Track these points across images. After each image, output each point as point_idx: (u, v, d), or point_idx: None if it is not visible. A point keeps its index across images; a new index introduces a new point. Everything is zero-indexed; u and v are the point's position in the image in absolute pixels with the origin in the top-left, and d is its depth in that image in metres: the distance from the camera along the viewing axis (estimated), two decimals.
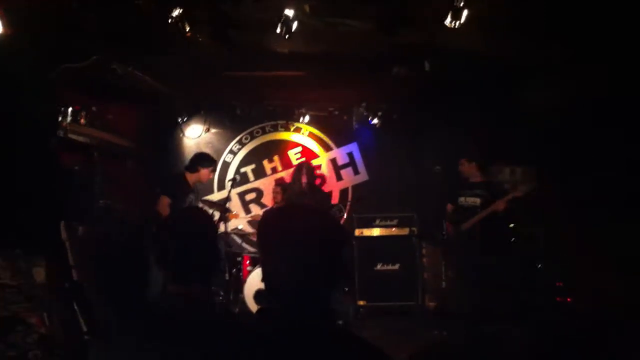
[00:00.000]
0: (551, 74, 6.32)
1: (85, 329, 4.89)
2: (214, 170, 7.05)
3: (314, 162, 8.90)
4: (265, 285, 1.64)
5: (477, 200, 6.44)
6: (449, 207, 6.82)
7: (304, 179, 6.52)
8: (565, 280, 6.48)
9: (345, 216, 6.25)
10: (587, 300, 6.16)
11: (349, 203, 8.70)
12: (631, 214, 5.53)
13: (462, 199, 6.60)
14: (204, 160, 6.69)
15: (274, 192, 7.78)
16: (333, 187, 9.00)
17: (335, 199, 8.86)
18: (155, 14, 4.67)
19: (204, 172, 6.60)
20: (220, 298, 7.21)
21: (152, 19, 4.80)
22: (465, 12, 4.56)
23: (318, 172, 6.66)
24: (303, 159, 8.80)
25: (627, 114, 5.65)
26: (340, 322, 5.99)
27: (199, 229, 2.20)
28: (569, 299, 6.38)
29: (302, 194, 6.34)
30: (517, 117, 7.16)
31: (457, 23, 4.62)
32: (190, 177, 6.54)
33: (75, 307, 4.95)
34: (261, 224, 1.75)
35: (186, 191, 6.48)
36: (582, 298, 6.29)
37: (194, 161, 6.64)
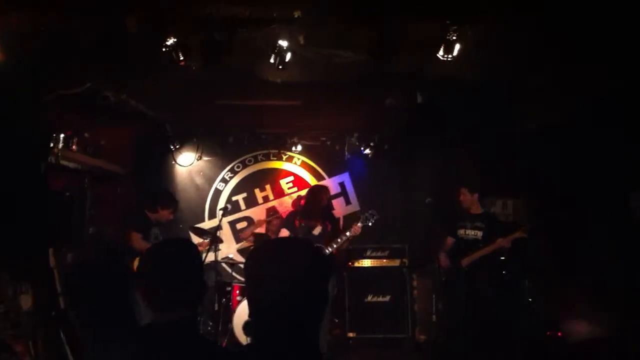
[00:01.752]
0: (541, 102, 6.35)
1: (71, 358, 4.82)
2: (174, 212, 6.90)
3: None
4: (251, 318, 1.63)
5: (479, 234, 6.37)
6: (449, 240, 6.71)
7: (324, 201, 6.46)
8: (554, 315, 6.44)
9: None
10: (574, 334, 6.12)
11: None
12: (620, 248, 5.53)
13: (462, 231, 6.51)
14: (164, 200, 6.68)
15: (268, 223, 7.77)
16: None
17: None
18: (149, 41, 4.68)
19: (163, 213, 6.61)
20: (209, 328, 7.13)
21: (146, 47, 4.81)
22: (457, 46, 4.60)
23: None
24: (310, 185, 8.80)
25: (618, 145, 5.69)
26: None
27: (182, 260, 2.19)
28: (559, 333, 6.34)
29: (318, 216, 6.29)
30: (509, 148, 7.19)
31: (450, 56, 4.66)
32: (151, 215, 6.54)
33: (62, 336, 4.88)
34: (251, 256, 1.75)
35: (149, 225, 6.50)
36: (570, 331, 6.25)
37: (154, 201, 6.63)
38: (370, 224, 6.15)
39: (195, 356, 1.95)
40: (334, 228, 6.36)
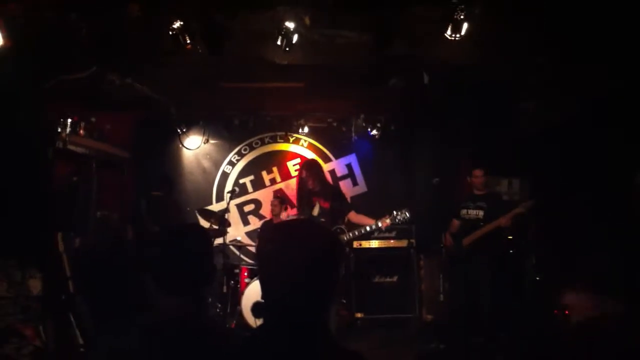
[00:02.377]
0: (547, 86, 6.32)
1: (81, 341, 4.87)
2: None
3: None
4: (264, 299, 1.64)
5: (480, 213, 6.43)
6: (455, 222, 6.75)
7: (313, 177, 6.15)
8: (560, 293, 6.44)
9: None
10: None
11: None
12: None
13: (464, 211, 6.57)
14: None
15: (272, 204, 7.76)
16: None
17: None
18: (154, 25, 4.67)
19: None
20: (218, 310, 7.18)
21: (151, 31, 4.80)
22: (465, 25, 4.57)
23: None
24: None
25: (625, 127, 5.66)
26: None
27: (192, 243, 2.20)
28: (567, 312, 6.34)
29: (313, 192, 6.01)
30: (515, 128, 7.16)
31: (457, 36, 4.62)
32: None
33: (72, 319, 4.93)
34: (260, 240, 1.75)
35: None
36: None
37: None
38: (398, 221, 5.89)
39: (204, 340, 1.96)
40: (338, 205, 6.03)
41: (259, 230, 8.25)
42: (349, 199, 8.87)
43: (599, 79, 5.62)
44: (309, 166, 6.18)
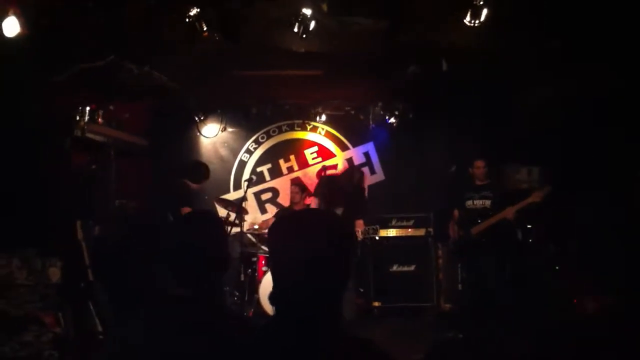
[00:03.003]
0: (563, 69, 6.24)
1: (100, 329, 4.91)
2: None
3: (331, 162, 8.89)
4: (274, 287, 1.63)
5: (487, 202, 6.41)
6: (455, 212, 6.76)
7: (354, 181, 6.43)
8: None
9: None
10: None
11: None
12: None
13: (469, 202, 6.53)
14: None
15: (292, 191, 7.73)
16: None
17: None
18: (170, 13, 4.66)
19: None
20: (235, 299, 7.20)
21: (166, 18, 4.79)
22: (484, 11, 4.51)
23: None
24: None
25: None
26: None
27: (207, 231, 2.19)
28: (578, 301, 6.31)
29: (347, 197, 6.31)
30: (532, 116, 7.08)
31: (477, 22, 4.57)
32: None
33: (91, 307, 4.97)
34: (271, 228, 1.74)
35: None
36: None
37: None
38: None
39: (218, 328, 1.95)
40: (360, 209, 6.39)
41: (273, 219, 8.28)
42: (366, 188, 8.90)
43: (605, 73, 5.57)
44: (358, 174, 6.88)
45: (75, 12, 4.45)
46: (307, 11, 4.71)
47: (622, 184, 5.87)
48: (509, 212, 6.11)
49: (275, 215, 8.31)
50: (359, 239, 6.18)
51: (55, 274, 4.78)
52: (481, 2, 4.46)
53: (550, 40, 5.47)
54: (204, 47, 5.33)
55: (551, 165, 7.28)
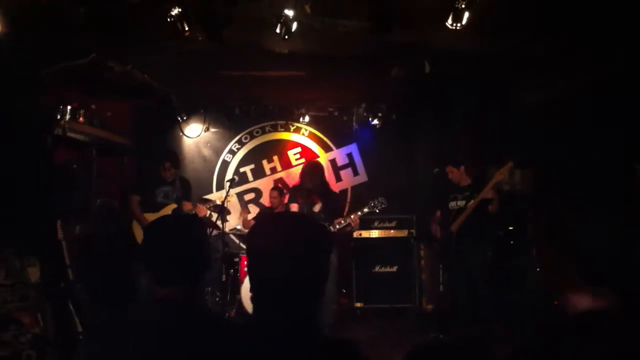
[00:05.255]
0: (548, 71, 6.29)
1: (80, 329, 4.87)
2: (173, 166, 7.07)
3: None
4: (252, 291, 1.64)
5: (464, 202, 6.38)
6: (438, 213, 6.76)
7: (317, 179, 6.39)
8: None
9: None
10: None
11: (348, 204, 8.67)
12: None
13: (453, 203, 6.51)
14: (164, 155, 7.09)
15: (271, 196, 7.73)
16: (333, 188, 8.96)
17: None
18: (153, 11, 4.64)
19: (166, 166, 6.96)
20: (217, 299, 7.19)
21: (149, 17, 4.77)
22: (466, 14, 4.54)
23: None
24: (309, 159, 8.74)
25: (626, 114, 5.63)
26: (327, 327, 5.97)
27: (185, 233, 2.19)
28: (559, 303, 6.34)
29: (312, 192, 6.26)
30: (515, 117, 7.14)
31: (459, 25, 4.60)
32: (163, 173, 6.97)
33: (71, 307, 4.93)
34: (251, 230, 1.75)
35: (157, 184, 6.91)
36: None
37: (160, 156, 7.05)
38: (377, 210, 6.24)
39: (198, 329, 1.95)
40: (331, 203, 6.34)
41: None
42: (349, 189, 8.93)
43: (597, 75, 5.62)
44: (311, 168, 6.52)
45: (59, 9, 4.42)
46: (290, 12, 4.71)
47: (607, 185, 5.92)
48: (487, 191, 6.05)
49: (256, 218, 8.32)
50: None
51: (34, 273, 4.74)
52: (463, 6, 4.49)
53: (535, 44, 5.52)
54: (187, 47, 5.32)
55: (535, 167, 7.34)
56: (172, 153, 7.21)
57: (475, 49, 5.62)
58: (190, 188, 7.32)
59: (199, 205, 7.06)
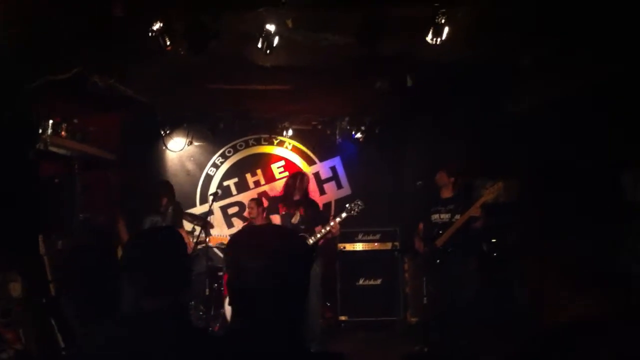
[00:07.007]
0: (533, 79, 6.35)
1: (62, 344, 4.83)
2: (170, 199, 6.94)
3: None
4: (231, 304, 1.64)
5: (456, 216, 6.25)
6: (420, 226, 6.69)
7: (301, 189, 6.43)
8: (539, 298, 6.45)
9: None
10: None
11: (331, 217, 8.67)
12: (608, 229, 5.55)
13: (436, 216, 6.42)
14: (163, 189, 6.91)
15: (249, 207, 7.70)
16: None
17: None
18: (135, 26, 4.64)
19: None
20: (201, 313, 7.15)
21: (132, 31, 4.77)
22: (446, 29, 4.59)
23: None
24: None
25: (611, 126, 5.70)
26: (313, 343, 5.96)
27: (166, 246, 2.21)
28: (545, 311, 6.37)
29: (297, 204, 6.30)
30: (500, 130, 7.19)
31: (439, 40, 4.64)
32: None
33: (53, 323, 4.88)
34: (230, 243, 1.76)
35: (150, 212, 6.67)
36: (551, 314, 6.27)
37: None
38: (354, 213, 6.24)
39: (180, 342, 1.96)
40: (312, 213, 6.39)
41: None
42: (333, 202, 8.94)
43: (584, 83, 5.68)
44: (297, 178, 6.56)
45: (44, 23, 4.41)
46: (271, 27, 4.73)
47: (592, 194, 5.95)
48: (474, 209, 6.02)
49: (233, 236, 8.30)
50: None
51: (16, 289, 4.69)
52: (442, 21, 4.54)
53: (521, 55, 5.58)
54: (171, 60, 5.33)
55: (519, 179, 7.39)
56: (168, 185, 7.05)
57: (460, 59, 5.66)
58: (182, 215, 7.24)
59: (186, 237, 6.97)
